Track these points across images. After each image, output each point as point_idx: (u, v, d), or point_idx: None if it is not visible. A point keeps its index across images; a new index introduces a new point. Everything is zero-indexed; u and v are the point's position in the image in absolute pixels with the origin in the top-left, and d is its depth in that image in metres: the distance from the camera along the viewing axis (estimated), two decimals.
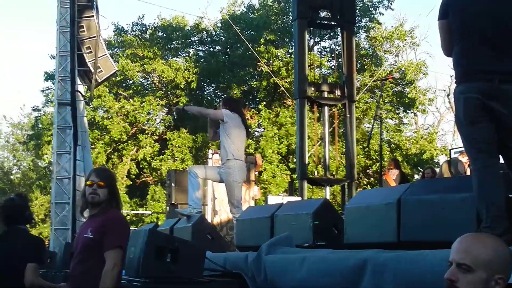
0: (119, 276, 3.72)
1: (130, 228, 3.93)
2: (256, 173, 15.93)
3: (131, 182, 24.01)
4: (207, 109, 10.99)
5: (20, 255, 4.88)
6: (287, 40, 25.14)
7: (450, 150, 12.81)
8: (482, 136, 3.59)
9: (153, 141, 24.16)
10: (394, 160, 13.01)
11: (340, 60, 13.55)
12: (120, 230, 3.86)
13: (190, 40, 26.66)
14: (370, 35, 25.74)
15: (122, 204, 4.02)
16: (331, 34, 23.25)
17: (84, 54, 13.64)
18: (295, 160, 18.04)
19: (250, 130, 11.31)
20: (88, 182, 4.02)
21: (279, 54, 24.39)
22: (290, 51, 24.42)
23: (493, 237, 2.18)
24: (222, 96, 24.90)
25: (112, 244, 3.76)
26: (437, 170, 12.20)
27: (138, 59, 24.32)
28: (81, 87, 13.77)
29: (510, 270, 2.04)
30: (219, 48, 26.98)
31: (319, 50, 25.15)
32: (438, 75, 51.64)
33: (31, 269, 4.86)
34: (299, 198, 11.85)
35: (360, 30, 25.23)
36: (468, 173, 9.23)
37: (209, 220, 11.86)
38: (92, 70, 13.46)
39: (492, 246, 2.10)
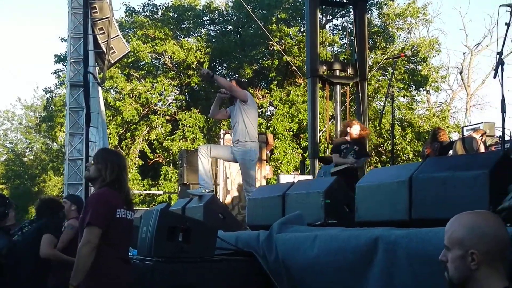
0: (91, 252, 3.75)
1: (111, 205, 3.87)
2: (268, 152, 15.92)
3: (143, 162, 24.09)
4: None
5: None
6: (299, 18, 24.96)
7: (462, 127, 12.68)
8: None
9: (165, 122, 24.18)
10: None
11: (352, 38, 13.46)
12: (92, 207, 3.86)
13: (201, 20, 26.52)
14: (382, 12, 25.49)
15: (120, 182, 3.97)
16: (343, 11, 23.05)
17: (97, 35, 13.67)
18: (306, 138, 17.97)
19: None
20: None
21: (290, 32, 24.22)
22: (302, 29, 24.22)
23: (476, 214, 2.16)
24: (234, 76, 24.80)
25: (86, 222, 3.82)
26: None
27: (149, 40, 24.25)
28: (94, 69, 13.77)
29: (484, 244, 2.05)
30: (231, 27, 26.84)
31: (331, 28, 24.97)
32: (451, 52, 51.10)
33: (46, 240, 4.91)
34: (310, 177, 11.84)
35: (372, 7, 24.98)
36: (482, 150, 9.16)
37: (221, 200, 11.91)
38: (105, 51, 13.48)
39: (465, 223, 2.11)
